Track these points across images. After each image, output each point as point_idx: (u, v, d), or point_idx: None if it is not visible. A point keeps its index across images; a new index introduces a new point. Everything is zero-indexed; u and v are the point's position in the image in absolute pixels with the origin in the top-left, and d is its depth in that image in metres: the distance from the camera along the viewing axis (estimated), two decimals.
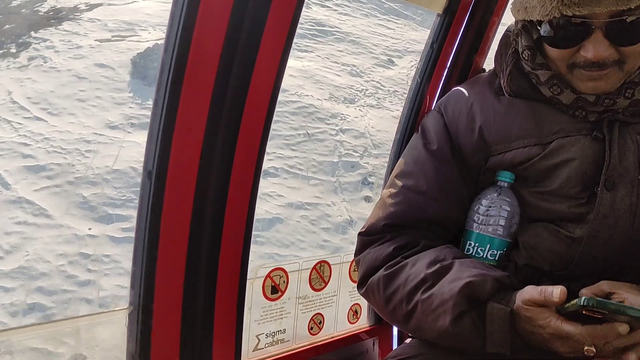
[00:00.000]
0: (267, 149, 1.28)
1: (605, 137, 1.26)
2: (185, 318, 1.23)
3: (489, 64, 1.68)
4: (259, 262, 1.47)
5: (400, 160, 1.47)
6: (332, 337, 1.69)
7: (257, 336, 1.49)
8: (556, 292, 1.07)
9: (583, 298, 1.01)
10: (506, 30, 1.45)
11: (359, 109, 12.02)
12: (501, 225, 1.31)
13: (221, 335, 1.31)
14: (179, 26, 1.08)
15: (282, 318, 1.55)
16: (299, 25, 1.24)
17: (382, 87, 13.00)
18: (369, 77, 13.24)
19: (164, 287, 1.20)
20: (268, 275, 1.50)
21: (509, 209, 1.32)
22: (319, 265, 1.64)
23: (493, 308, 1.14)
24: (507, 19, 1.62)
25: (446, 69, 1.70)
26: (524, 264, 1.31)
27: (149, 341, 1.19)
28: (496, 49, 1.47)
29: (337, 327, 1.72)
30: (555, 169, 1.28)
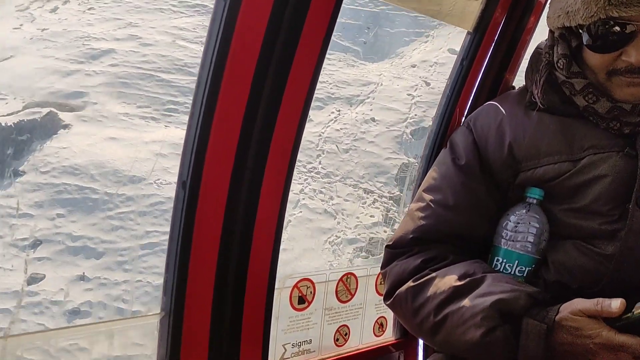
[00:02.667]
0: None
1: (638, 153, 1.25)
2: (215, 325, 1.26)
3: (518, 82, 1.69)
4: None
5: (429, 174, 1.48)
6: (358, 350, 1.69)
7: (283, 345, 1.51)
8: (615, 303, 1.07)
9: None
10: (536, 47, 1.46)
11: None
12: (530, 242, 1.31)
13: (249, 343, 1.33)
14: (215, 42, 1.12)
15: (308, 328, 1.57)
16: None
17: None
18: None
19: (194, 295, 1.23)
20: (295, 286, 1.52)
21: (537, 225, 1.31)
22: (346, 277, 1.66)
23: (529, 324, 1.14)
24: (537, 38, 1.63)
25: (475, 86, 1.71)
26: (553, 280, 1.30)
27: (179, 346, 1.23)
28: (526, 66, 1.48)
29: (363, 339, 1.72)
30: (586, 185, 1.28)
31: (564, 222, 1.31)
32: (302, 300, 1.54)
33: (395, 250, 1.41)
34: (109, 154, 11.78)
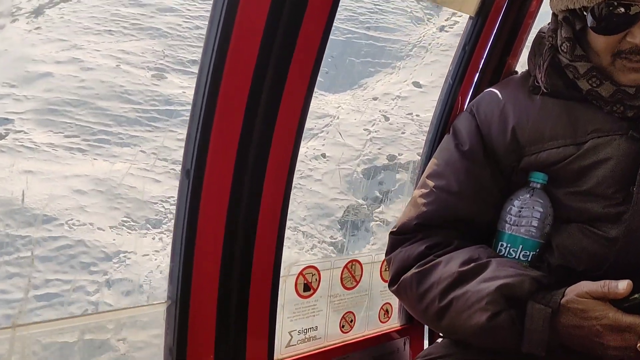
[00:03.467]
0: None
1: None
2: (221, 312, 1.27)
3: (521, 66, 1.68)
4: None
5: (432, 160, 1.48)
6: (363, 336, 1.70)
7: (289, 332, 1.52)
8: (622, 285, 1.08)
9: None
10: (539, 31, 1.45)
11: None
12: (534, 226, 1.31)
13: (255, 331, 1.34)
14: (217, 29, 1.12)
15: (314, 315, 1.58)
16: None
17: None
18: None
19: (200, 283, 1.24)
20: (300, 273, 1.53)
21: (541, 210, 1.31)
22: (351, 264, 1.66)
23: (533, 308, 1.15)
24: (539, 23, 1.62)
25: (478, 71, 1.71)
26: (558, 264, 1.30)
27: (185, 335, 1.23)
28: (529, 50, 1.47)
29: (368, 326, 1.73)
30: (590, 169, 1.28)
31: (568, 205, 1.31)
32: (307, 288, 1.55)
33: (399, 237, 1.42)
34: (21, 189, 10.47)
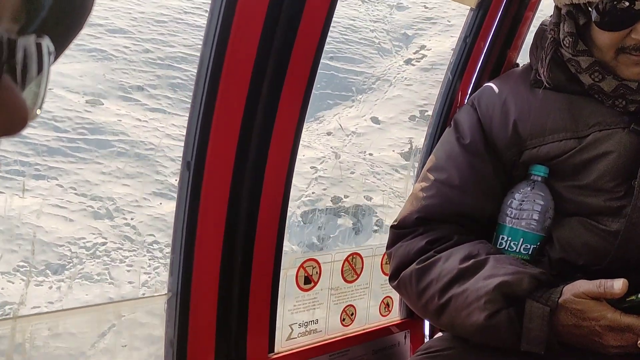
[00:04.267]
0: None
1: None
2: (222, 305, 1.27)
3: (522, 59, 1.67)
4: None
5: (433, 154, 1.47)
6: (364, 329, 1.70)
7: (290, 325, 1.52)
8: (617, 284, 1.08)
9: None
10: (541, 24, 1.44)
11: None
12: (535, 220, 1.31)
13: (256, 323, 1.34)
14: (217, 21, 1.12)
15: (314, 308, 1.58)
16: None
17: None
18: None
19: (201, 275, 1.24)
20: (301, 266, 1.53)
21: (542, 203, 1.31)
22: (351, 257, 1.66)
23: (532, 306, 1.15)
24: (540, 15, 1.61)
25: (479, 64, 1.70)
26: (558, 258, 1.30)
27: (186, 327, 1.24)
28: (531, 43, 1.46)
29: (369, 319, 1.73)
30: (592, 162, 1.28)
31: (569, 199, 1.31)
32: (308, 281, 1.55)
33: (400, 231, 1.41)
34: None
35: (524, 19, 1.73)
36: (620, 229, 1.24)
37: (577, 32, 1.29)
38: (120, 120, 11.45)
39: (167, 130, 11.12)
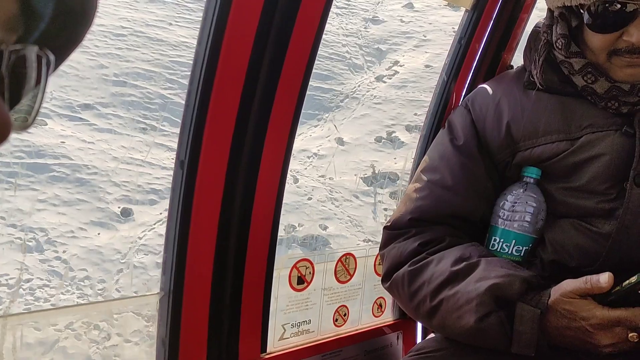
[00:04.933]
0: None
1: (635, 132, 1.25)
2: (214, 304, 1.27)
3: (516, 61, 1.68)
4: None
5: (427, 155, 1.48)
6: (357, 330, 1.70)
7: (282, 326, 1.52)
8: (603, 278, 1.09)
9: (638, 276, 1.02)
10: (535, 26, 1.45)
11: None
12: (527, 221, 1.32)
13: (248, 323, 1.34)
14: (212, 21, 1.12)
15: (307, 309, 1.58)
16: None
17: None
18: None
19: (194, 274, 1.23)
20: (294, 266, 1.53)
21: (534, 204, 1.32)
22: (345, 257, 1.66)
23: (523, 309, 1.15)
24: (535, 17, 1.62)
25: (474, 65, 1.70)
26: (550, 260, 1.31)
27: (178, 326, 1.23)
28: (524, 45, 1.47)
29: (362, 319, 1.73)
30: (584, 164, 1.28)
31: (561, 200, 1.31)
32: (301, 281, 1.55)
33: (393, 232, 1.42)
34: None
35: (519, 20, 1.73)
36: (612, 231, 1.25)
37: (570, 34, 1.30)
38: (63, 143, 10.31)
39: (115, 153, 10.04)
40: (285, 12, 1.18)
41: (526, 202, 1.32)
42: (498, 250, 1.34)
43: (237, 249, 1.28)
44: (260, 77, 1.20)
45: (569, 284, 1.13)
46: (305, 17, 1.21)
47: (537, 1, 1.74)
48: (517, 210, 1.32)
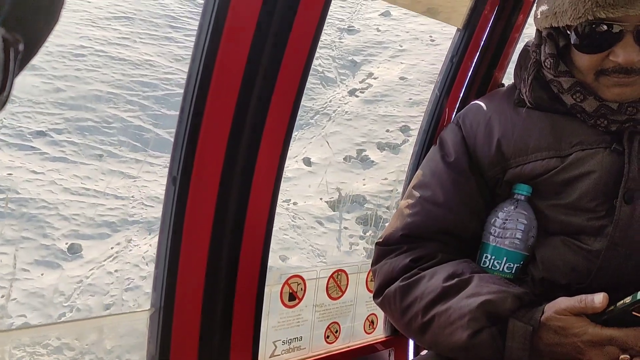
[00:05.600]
0: None
1: (624, 149, 1.27)
2: (205, 321, 1.26)
3: (507, 79, 1.70)
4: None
5: (418, 171, 1.48)
6: (348, 347, 1.70)
7: (274, 342, 1.51)
8: (598, 298, 1.09)
9: (632, 296, 1.02)
10: (525, 45, 1.47)
11: None
12: (518, 239, 1.32)
13: (239, 340, 1.33)
14: (206, 36, 1.12)
15: (299, 325, 1.57)
16: None
17: None
18: None
19: (184, 291, 1.23)
20: (286, 282, 1.52)
21: (525, 222, 1.32)
22: (337, 274, 1.66)
23: (515, 325, 1.15)
24: (526, 37, 1.64)
25: (465, 83, 1.72)
26: (541, 277, 1.31)
27: (168, 343, 1.22)
28: (515, 63, 1.49)
29: (353, 336, 1.73)
30: (574, 181, 1.29)
31: (551, 218, 1.32)
32: (292, 297, 1.54)
33: (385, 248, 1.42)
34: None
35: (510, 39, 1.76)
36: (602, 248, 1.25)
37: (558, 53, 1.31)
38: (10, 175, 9.40)
39: (67, 184, 9.28)
40: (279, 30, 1.19)
41: (517, 219, 1.32)
42: (489, 267, 1.34)
43: (229, 264, 1.27)
44: (254, 93, 1.21)
45: (563, 302, 1.13)
46: (299, 32, 1.22)
47: (528, 21, 1.76)
48: (508, 228, 1.33)
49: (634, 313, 1.04)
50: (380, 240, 1.44)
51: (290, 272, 1.53)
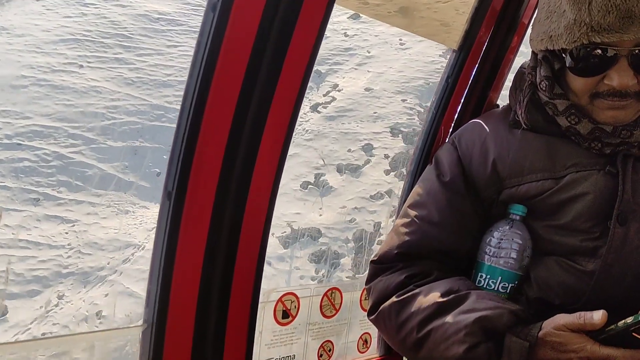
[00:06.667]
0: None
1: (618, 171, 1.28)
2: (197, 338, 1.25)
3: (502, 100, 1.71)
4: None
5: (414, 190, 1.49)
6: None
7: None
8: (597, 315, 1.09)
9: (634, 317, 1.02)
10: (520, 67, 1.48)
11: None
12: (513, 258, 1.32)
13: (232, 358, 1.32)
14: (203, 55, 1.13)
15: (292, 343, 1.56)
16: None
17: None
18: None
19: (177, 307, 1.22)
20: (280, 300, 1.52)
21: (520, 242, 1.32)
22: (330, 292, 1.65)
23: (511, 341, 1.15)
24: (521, 58, 1.66)
25: (460, 103, 1.74)
26: (535, 297, 1.31)
27: (160, 359, 1.21)
28: (510, 85, 1.50)
29: (347, 355, 1.72)
30: (568, 203, 1.30)
31: (546, 238, 1.33)
32: (286, 315, 1.53)
33: (380, 266, 1.42)
34: None
35: (505, 61, 1.78)
36: (596, 269, 1.26)
37: (554, 76, 1.33)
38: None
39: None
40: (276, 44, 1.20)
41: (512, 239, 1.33)
42: (484, 286, 1.34)
43: (222, 282, 1.27)
44: (250, 109, 1.21)
45: (562, 318, 1.13)
46: (298, 45, 1.23)
47: (523, 43, 1.78)
48: (503, 247, 1.33)
49: (634, 334, 1.04)
50: (375, 258, 1.44)
51: (282, 290, 1.53)
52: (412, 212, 1.43)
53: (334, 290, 1.66)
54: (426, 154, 1.74)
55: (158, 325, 1.20)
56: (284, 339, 1.54)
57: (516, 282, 1.33)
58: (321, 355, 1.65)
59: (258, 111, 1.23)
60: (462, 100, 1.73)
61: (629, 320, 1.04)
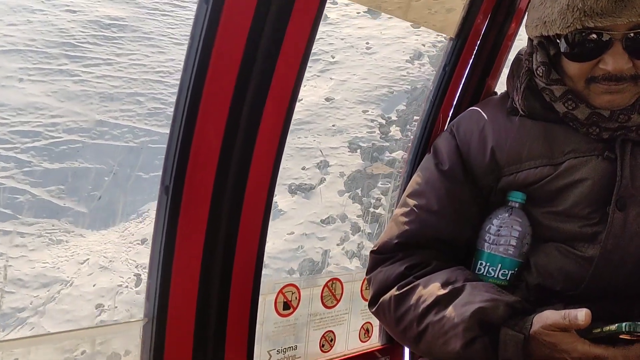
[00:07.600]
0: None
1: (617, 157, 1.27)
2: (198, 331, 1.25)
3: (500, 87, 1.70)
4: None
5: (413, 180, 1.48)
6: (344, 355, 1.69)
7: (268, 352, 1.51)
8: (580, 315, 1.07)
9: (624, 324, 1.01)
10: (518, 53, 1.47)
11: None
12: (512, 245, 1.32)
13: (233, 350, 1.32)
14: (197, 50, 1.13)
15: (293, 334, 1.57)
16: None
17: None
18: None
19: (178, 300, 1.22)
20: (280, 291, 1.52)
21: (520, 229, 1.32)
22: (331, 282, 1.66)
23: (506, 335, 1.15)
24: (519, 44, 1.65)
25: (458, 91, 1.73)
26: (535, 283, 1.31)
27: (162, 353, 1.22)
28: (507, 72, 1.49)
29: (349, 345, 1.72)
30: (567, 189, 1.29)
31: (545, 225, 1.32)
32: (287, 306, 1.54)
33: (380, 256, 1.42)
34: None
35: (502, 48, 1.77)
36: (595, 255, 1.26)
37: (550, 61, 1.32)
38: None
39: None
40: (268, 45, 1.20)
41: (512, 226, 1.33)
42: (484, 274, 1.34)
43: (222, 274, 1.27)
44: (246, 103, 1.21)
45: (548, 317, 1.13)
46: (290, 47, 1.22)
47: (521, 28, 1.77)
48: (503, 235, 1.33)
49: (620, 337, 1.04)
50: (375, 248, 1.44)
51: (283, 281, 1.53)
52: (411, 202, 1.42)
53: (334, 281, 1.66)
54: (425, 142, 1.73)
55: (159, 320, 1.20)
56: (286, 330, 1.55)
57: (516, 269, 1.33)
58: (323, 346, 1.65)
59: (255, 101, 1.23)
60: (460, 88, 1.72)
61: (613, 327, 1.04)
